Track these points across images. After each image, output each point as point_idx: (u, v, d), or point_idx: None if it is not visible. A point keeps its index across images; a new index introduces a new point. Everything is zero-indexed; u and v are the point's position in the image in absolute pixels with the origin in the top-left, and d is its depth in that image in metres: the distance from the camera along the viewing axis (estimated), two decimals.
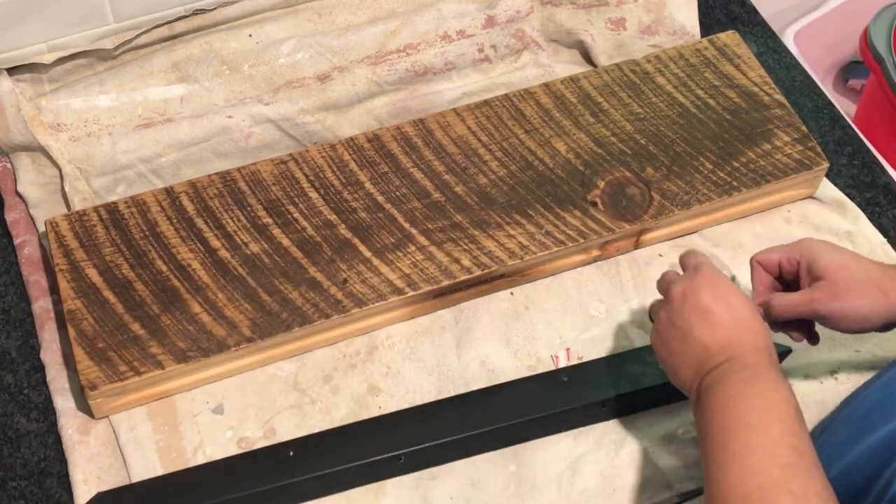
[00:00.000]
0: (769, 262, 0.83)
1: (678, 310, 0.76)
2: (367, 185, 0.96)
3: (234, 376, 0.90)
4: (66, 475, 0.85)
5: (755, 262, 0.84)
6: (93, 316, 0.87)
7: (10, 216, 0.99)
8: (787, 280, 0.83)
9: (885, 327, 0.79)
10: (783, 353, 0.90)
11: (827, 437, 0.82)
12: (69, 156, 1.00)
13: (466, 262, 0.92)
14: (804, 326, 0.82)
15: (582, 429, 0.87)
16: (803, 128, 1.02)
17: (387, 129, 1.00)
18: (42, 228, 0.96)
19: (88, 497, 0.83)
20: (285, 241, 0.92)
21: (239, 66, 1.04)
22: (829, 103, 1.13)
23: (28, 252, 0.97)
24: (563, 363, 0.92)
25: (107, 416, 0.87)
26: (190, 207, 0.94)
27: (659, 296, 0.84)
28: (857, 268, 0.78)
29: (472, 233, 0.94)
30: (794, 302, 0.79)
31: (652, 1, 1.15)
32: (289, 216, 0.94)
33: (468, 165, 0.98)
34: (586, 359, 0.92)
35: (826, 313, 0.78)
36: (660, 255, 0.99)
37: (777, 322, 0.81)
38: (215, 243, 0.92)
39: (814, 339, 0.83)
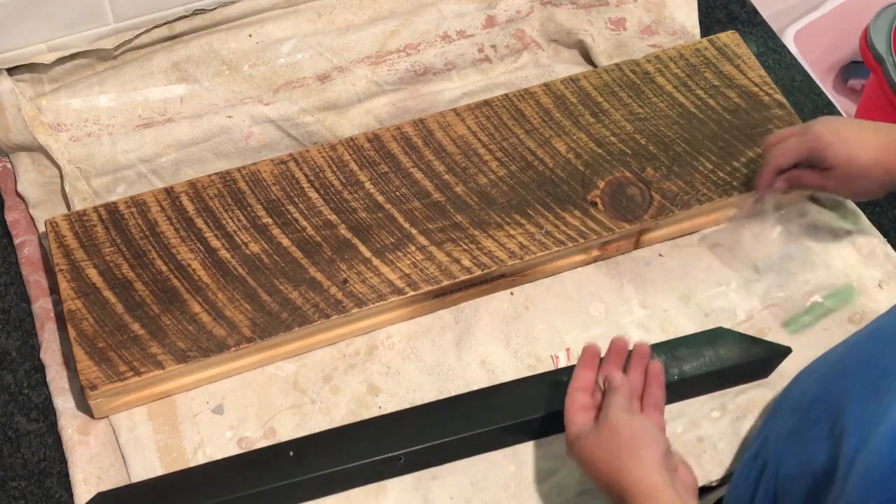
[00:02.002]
0: (786, 164, 0.91)
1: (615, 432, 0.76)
2: (367, 185, 0.96)
3: (234, 376, 0.90)
4: (66, 475, 0.85)
5: (773, 160, 0.92)
6: (93, 316, 0.87)
7: (10, 216, 0.99)
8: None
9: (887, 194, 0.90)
10: (783, 352, 0.90)
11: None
12: (69, 156, 1.00)
13: (466, 262, 0.92)
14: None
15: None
16: None
17: (387, 129, 1.00)
18: (42, 228, 0.96)
19: (88, 497, 0.83)
20: (285, 241, 0.92)
21: (239, 66, 1.04)
22: (829, 103, 1.13)
23: (28, 252, 0.97)
24: (563, 363, 0.92)
25: (107, 416, 0.87)
26: (190, 207, 0.94)
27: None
28: (864, 154, 0.87)
29: (472, 233, 0.94)
30: (810, 179, 0.91)
31: (652, 1, 1.15)
32: (289, 216, 0.94)
33: (468, 165, 0.98)
34: None
35: (836, 191, 0.92)
36: (660, 255, 0.99)
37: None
38: (215, 243, 0.92)
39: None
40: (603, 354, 0.83)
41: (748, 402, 0.90)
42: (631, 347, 0.83)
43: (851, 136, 0.87)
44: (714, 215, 0.99)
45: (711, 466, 0.86)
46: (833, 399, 0.72)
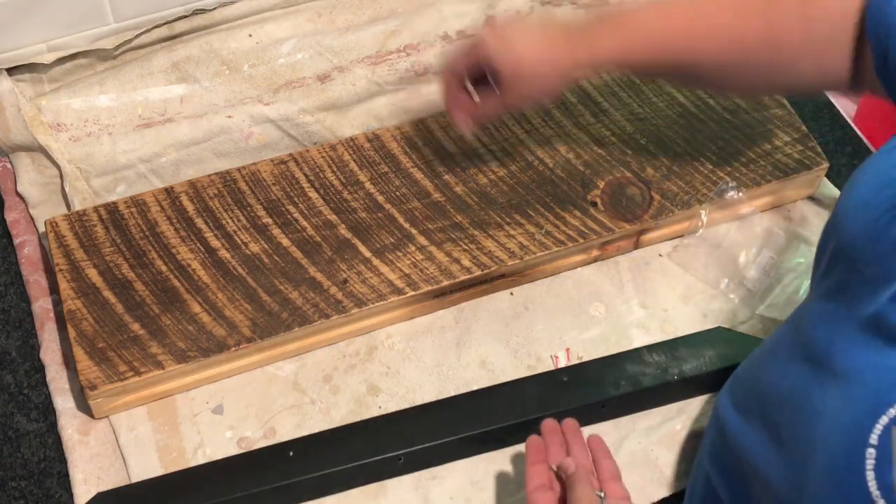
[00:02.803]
0: (460, 81, 0.88)
1: None
2: (367, 185, 0.96)
3: (234, 376, 0.90)
4: (66, 475, 0.85)
5: (447, 86, 0.88)
6: (93, 316, 0.87)
7: (10, 216, 0.99)
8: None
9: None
10: None
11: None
12: (69, 156, 1.00)
13: (466, 262, 0.92)
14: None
15: (582, 428, 0.87)
16: (803, 128, 1.02)
17: (387, 129, 1.00)
18: (42, 228, 0.96)
19: (88, 497, 0.83)
20: (285, 241, 0.92)
21: (239, 66, 1.04)
22: (829, 103, 1.13)
23: (28, 252, 0.97)
24: (563, 363, 0.92)
25: (107, 416, 0.87)
26: (190, 207, 0.94)
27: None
28: (530, 53, 0.83)
29: (472, 233, 0.94)
30: (494, 109, 0.88)
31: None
32: (289, 216, 0.94)
33: (468, 165, 0.98)
34: (586, 359, 0.92)
35: (518, 105, 0.89)
36: (660, 255, 0.99)
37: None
38: (215, 243, 0.92)
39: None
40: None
41: None
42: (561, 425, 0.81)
43: (516, 37, 0.84)
44: (714, 215, 0.99)
45: None
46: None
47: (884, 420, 0.55)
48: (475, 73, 0.86)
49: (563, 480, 0.75)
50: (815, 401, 0.62)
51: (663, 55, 0.82)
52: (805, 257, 0.98)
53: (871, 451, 0.55)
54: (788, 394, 0.66)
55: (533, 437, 0.79)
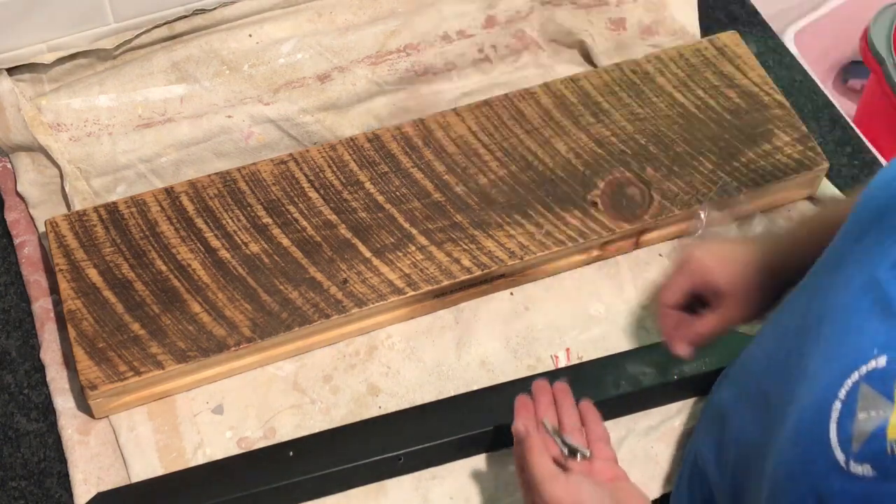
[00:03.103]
0: (676, 305, 0.85)
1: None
2: (367, 185, 0.96)
3: (234, 376, 0.90)
4: (66, 475, 0.85)
5: (663, 310, 0.85)
6: (93, 316, 0.87)
7: (10, 216, 0.99)
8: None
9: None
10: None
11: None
12: (69, 156, 1.00)
13: (466, 262, 0.92)
14: None
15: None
16: (803, 128, 1.02)
17: (387, 129, 1.00)
18: (42, 228, 0.96)
19: (88, 497, 0.83)
20: (285, 241, 0.92)
21: (239, 66, 1.04)
22: (829, 103, 1.13)
23: (28, 252, 0.97)
24: (563, 363, 0.92)
25: (107, 416, 0.87)
26: (190, 207, 0.94)
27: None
28: (745, 275, 0.81)
29: (472, 233, 0.94)
30: (714, 327, 0.83)
31: (652, 1, 1.15)
32: (289, 216, 0.94)
33: (468, 165, 0.98)
34: (586, 359, 0.92)
35: (738, 322, 0.83)
36: (660, 255, 0.99)
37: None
38: (215, 243, 0.92)
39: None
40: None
41: None
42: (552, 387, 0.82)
43: (726, 257, 0.83)
44: (714, 215, 0.99)
45: None
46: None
47: (854, 376, 0.56)
48: (691, 291, 0.85)
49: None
50: (802, 365, 0.63)
51: None
52: None
53: (837, 405, 0.56)
54: (781, 363, 0.68)
55: (521, 395, 0.80)
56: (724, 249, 0.84)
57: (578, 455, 0.76)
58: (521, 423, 0.76)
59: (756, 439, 0.68)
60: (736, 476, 0.72)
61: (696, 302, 0.85)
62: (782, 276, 0.80)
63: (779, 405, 0.65)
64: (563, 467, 0.74)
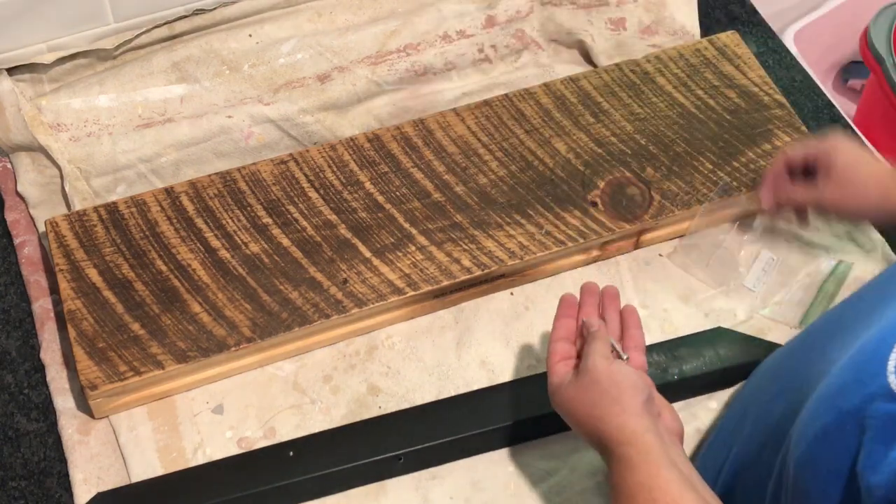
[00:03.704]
0: (795, 156, 0.91)
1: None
2: (367, 185, 0.96)
3: (234, 376, 0.90)
4: (66, 475, 0.85)
5: (782, 157, 0.93)
6: (93, 316, 0.87)
7: (10, 216, 0.99)
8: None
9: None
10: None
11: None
12: (69, 156, 1.00)
13: (466, 262, 0.92)
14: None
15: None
16: (803, 128, 1.02)
17: (387, 129, 1.00)
18: (42, 228, 0.96)
19: (88, 497, 0.83)
20: (285, 241, 0.92)
21: (239, 66, 1.04)
22: (829, 103, 1.13)
23: (28, 252, 0.97)
24: None
25: (107, 416, 0.87)
26: (190, 207, 0.94)
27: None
28: (866, 166, 0.88)
29: (472, 233, 0.94)
30: (803, 191, 0.90)
31: (652, 1, 1.15)
32: (289, 216, 0.94)
33: (468, 165, 0.98)
34: None
35: (827, 205, 0.89)
36: (660, 254, 0.99)
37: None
38: (215, 243, 0.92)
39: (806, 222, 0.94)
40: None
41: None
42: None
43: (862, 152, 0.89)
44: (714, 215, 0.99)
45: None
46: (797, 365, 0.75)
47: None
48: (810, 158, 0.91)
49: (585, 337, 0.77)
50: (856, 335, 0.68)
51: None
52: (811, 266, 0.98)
53: None
54: (816, 341, 0.73)
55: (567, 294, 0.82)
56: (858, 147, 0.89)
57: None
58: (560, 333, 0.78)
59: (784, 408, 0.70)
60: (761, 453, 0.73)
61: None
62: None
63: (819, 361, 0.68)
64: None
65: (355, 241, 0.93)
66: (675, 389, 0.89)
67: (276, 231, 0.93)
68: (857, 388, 0.61)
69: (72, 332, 0.86)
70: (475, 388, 0.89)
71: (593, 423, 0.71)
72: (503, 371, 0.91)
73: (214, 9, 1.07)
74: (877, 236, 1.00)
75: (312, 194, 0.95)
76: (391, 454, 0.83)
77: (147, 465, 0.85)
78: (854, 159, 0.88)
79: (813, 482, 0.63)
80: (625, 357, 0.77)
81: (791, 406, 0.71)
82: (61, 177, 0.99)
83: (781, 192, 0.92)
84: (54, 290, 0.94)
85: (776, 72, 1.14)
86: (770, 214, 0.95)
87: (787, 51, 1.18)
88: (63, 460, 0.86)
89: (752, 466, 0.76)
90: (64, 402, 0.88)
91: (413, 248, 0.92)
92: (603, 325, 0.78)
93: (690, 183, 0.98)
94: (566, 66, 1.12)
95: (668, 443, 0.69)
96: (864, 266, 0.98)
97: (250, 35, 1.05)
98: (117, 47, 1.04)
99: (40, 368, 0.90)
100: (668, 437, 0.70)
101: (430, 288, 0.91)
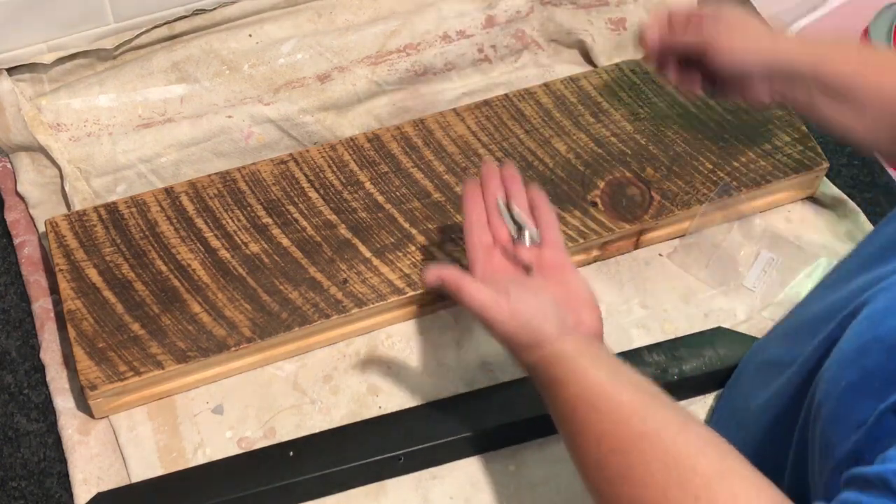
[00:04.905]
0: (679, 13, 0.86)
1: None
2: (367, 185, 0.96)
3: (234, 376, 0.90)
4: (66, 475, 0.85)
5: (663, 10, 0.87)
6: (93, 316, 0.87)
7: (10, 216, 0.99)
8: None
9: (763, 88, 0.84)
10: None
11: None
12: (69, 156, 1.00)
13: (466, 263, 0.92)
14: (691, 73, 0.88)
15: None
16: (803, 128, 1.02)
17: (387, 129, 1.00)
18: (42, 228, 0.96)
19: (88, 497, 0.83)
20: (285, 241, 0.92)
21: (239, 66, 1.04)
22: None
23: (28, 252, 0.97)
24: None
25: (107, 416, 0.87)
26: (190, 207, 0.94)
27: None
28: (755, 18, 0.85)
29: None
30: (690, 28, 0.85)
31: (652, 1, 1.15)
32: (289, 216, 0.94)
33: (468, 165, 0.98)
34: None
35: (712, 40, 0.83)
36: (660, 254, 0.99)
37: (666, 53, 0.87)
38: (215, 243, 0.92)
39: (694, 86, 0.88)
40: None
41: None
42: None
43: (748, 12, 0.86)
44: (714, 215, 0.99)
45: None
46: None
47: None
48: (685, 20, 0.87)
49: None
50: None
51: (853, 79, 0.80)
52: (810, 266, 0.98)
53: None
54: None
55: (470, 181, 0.82)
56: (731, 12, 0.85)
57: (527, 236, 0.77)
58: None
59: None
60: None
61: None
62: (804, 68, 0.81)
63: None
64: (512, 257, 0.77)
65: (355, 241, 0.93)
66: (675, 389, 0.89)
67: (276, 231, 0.93)
68: (878, 347, 0.60)
69: (72, 332, 0.86)
70: (475, 388, 0.89)
71: (515, 353, 0.73)
72: (503, 371, 0.91)
73: (214, 9, 1.07)
74: None
75: (312, 194, 0.95)
76: (391, 454, 0.83)
77: (147, 465, 0.85)
78: (741, 13, 0.85)
79: (842, 434, 0.62)
80: (537, 240, 0.77)
81: (790, 385, 0.71)
82: (61, 177, 0.99)
83: (667, 35, 0.87)
84: (54, 290, 0.94)
85: None
86: (652, 63, 0.89)
87: None
88: (63, 460, 0.86)
89: (761, 450, 0.76)
90: (64, 402, 0.88)
91: (413, 248, 0.92)
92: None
93: (690, 183, 0.98)
94: (566, 66, 1.12)
95: (588, 347, 0.71)
96: None
97: (250, 35, 1.05)
98: (117, 47, 1.04)
99: (40, 368, 0.90)
100: (585, 343, 0.71)
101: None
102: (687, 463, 0.61)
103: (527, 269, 0.78)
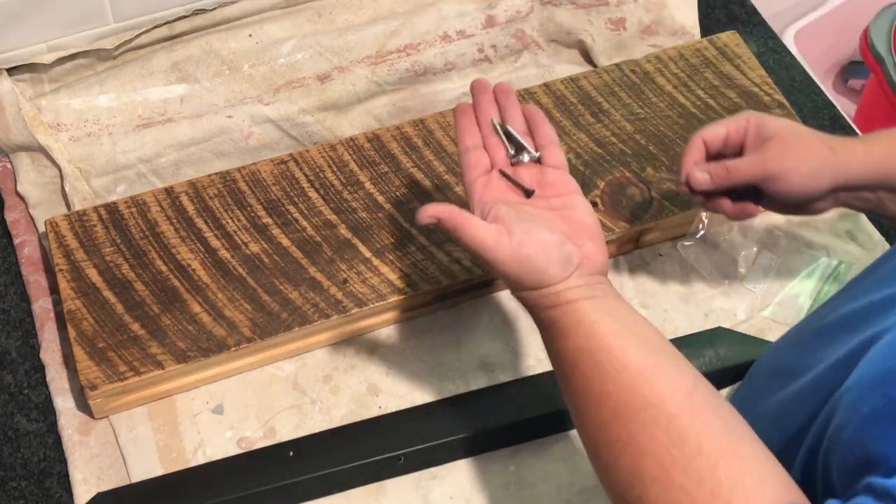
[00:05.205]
0: (715, 136, 0.81)
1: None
2: (367, 185, 0.96)
3: (234, 376, 0.90)
4: (66, 475, 0.85)
5: (698, 140, 0.81)
6: (93, 316, 0.87)
7: (10, 216, 0.99)
8: (729, 155, 0.82)
9: (827, 202, 0.80)
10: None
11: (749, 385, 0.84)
12: (69, 156, 1.00)
13: (467, 263, 0.92)
14: (745, 197, 0.82)
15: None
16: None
17: (387, 129, 1.00)
18: (42, 228, 0.96)
19: (88, 497, 0.83)
20: (285, 241, 0.92)
21: (239, 66, 1.04)
22: (829, 103, 1.13)
23: (28, 252, 0.97)
24: None
25: (107, 416, 0.87)
26: (190, 207, 0.94)
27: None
28: (805, 130, 0.79)
29: None
30: (748, 161, 0.79)
31: (652, 1, 1.15)
32: (289, 216, 0.94)
33: None
34: None
35: (776, 171, 0.78)
36: (660, 255, 0.99)
37: (719, 191, 0.81)
38: (215, 243, 0.92)
39: (752, 211, 0.83)
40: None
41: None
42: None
43: (790, 121, 0.82)
44: (714, 215, 0.99)
45: None
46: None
47: None
48: (733, 142, 0.81)
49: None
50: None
51: None
52: (810, 267, 0.98)
53: None
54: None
55: (461, 104, 0.77)
56: (786, 121, 0.81)
57: (527, 156, 0.74)
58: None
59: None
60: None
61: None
62: (839, 176, 0.77)
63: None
64: (513, 182, 0.73)
65: (355, 241, 0.93)
66: None
67: (276, 231, 0.93)
68: None
69: (72, 332, 0.86)
70: (475, 388, 0.89)
71: (516, 293, 0.70)
72: (503, 371, 0.91)
73: (214, 9, 1.07)
74: (877, 236, 1.00)
75: (312, 194, 0.95)
76: (391, 454, 0.83)
77: (147, 465, 0.85)
78: (788, 126, 0.79)
79: (868, 456, 0.61)
80: (536, 155, 0.73)
81: (801, 396, 0.69)
82: (61, 177, 0.99)
83: (719, 171, 0.80)
84: (54, 290, 0.94)
85: (776, 72, 1.14)
86: (704, 205, 0.83)
87: (787, 51, 1.18)
88: (63, 460, 0.86)
89: None
90: (64, 402, 0.88)
91: (413, 248, 0.92)
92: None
93: None
94: (566, 66, 1.12)
95: (593, 290, 0.67)
96: (864, 266, 0.98)
97: (250, 35, 1.05)
98: (117, 47, 1.04)
99: (40, 368, 0.90)
100: (590, 285, 0.67)
101: (430, 288, 0.91)
102: (692, 441, 0.58)
103: (527, 192, 0.74)
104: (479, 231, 0.68)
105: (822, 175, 0.78)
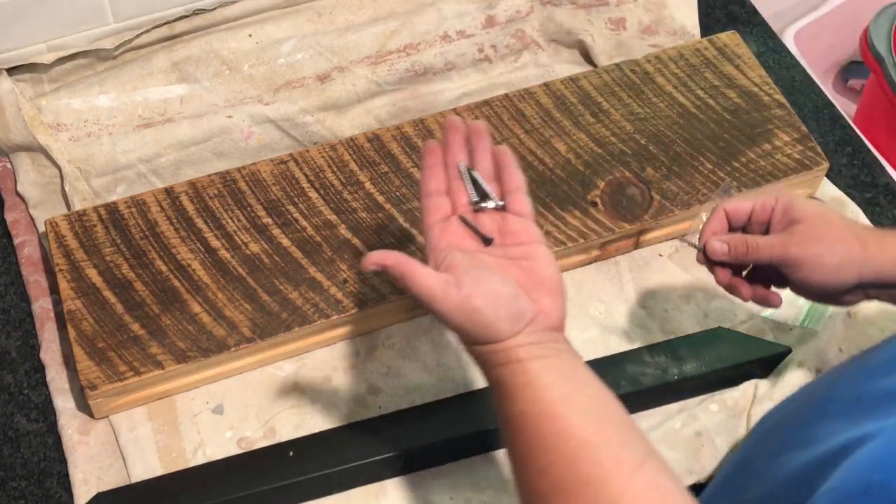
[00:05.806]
0: (738, 209, 0.77)
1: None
2: (367, 185, 0.96)
3: (234, 376, 0.90)
4: (66, 475, 0.85)
5: (720, 210, 0.77)
6: (93, 316, 0.87)
7: (10, 216, 0.99)
8: (753, 231, 0.78)
9: (855, 295, 0.76)
10: (782, 352, 0.90)
11: (745, 458, 0.82)
12: (69, 156, 1.00)
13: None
14: (763, 281, 0.79)
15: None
16: (803, 128, 1.02)
17: (387, 129, 1.00)
18: (42, 228, 0.96)
19: (88, 497, 0.83)
20: (285, 241, 0.92)
21: (239, 66, 1.04)
22: (829, 103, 1.13)
23: (28, 252, 0.97)
24: None
25: (107, 416, 0.87)
26: (190, 207, 0.94)
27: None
28: (837, 217, 0.75)
29: None
30: (770, 242, 0.75)
31: (652, 1, 1.15)
32: (289, 216, 0.94)
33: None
34: (586, 359, 0.91)
35: (798, 258, 0.73)
36: (660, 254, 0.99)
37: (740, 268, 0.78)
38: (215, 243, 0.92)
39: (775, 302, 0.79)
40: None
41: (745, 397, 0.89)
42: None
43: (824, 205, 0.78)
44: None
45: (709, 461, 0.86)
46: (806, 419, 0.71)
47: None
48: (759, 219, 0.77)
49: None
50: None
51: None
52: None
53: None
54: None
55: (430, 141, 0.74)
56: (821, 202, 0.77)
57: (491, 203, 0.71)
58: (431, 186, 0.69)
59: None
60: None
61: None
62: (869, 269, 0.73)
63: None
64: (472, 228, 0.70)
65: (355, 241, 0.93)
66: (675, 389, 0.89)
67: (276, 231, 0.93)
68: (886, 496, 0.56)
69: (72, 332, 0.86)
70: (475, 388, 0.89)
71: (465, 346, 0.67)
72: None
73: (214, 9, 1.07)
74: None
75: (312, 194, 0.95)
76: (391, 454, 0.83)
77: (147, 465, 0.85)
78: (817, 210, 0.74)
79: None
80: (500, 203, 0.70)
81: (799, 461, 0.68)
82: (61, 177, 0.99)
83: (738, 245, 0.76)
84: (54, 290, 0.94)
85: (776, 72, 1.14)
86: (721, 284, 0.80)
87: (787, 51, 1.18)
88: (63, 460, 0.86)
89: None
90: (64, 402, 0.88)
91: (413, 248, 0.92)
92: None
93: (690, 183, 0.98)
94: (566, 66, 1.12)
95: (543, 349, 0.64)
96: None
97: (250, 35, 1.05)
98: (117, 47, 1.04)
99: (40, 368, 0.90)
100: (541, 344, 0.64)
101: None
102: None
103: (486, 240, 0.70)
104: (426, 280, 0.65)
105: (848, 269, 0.73)
